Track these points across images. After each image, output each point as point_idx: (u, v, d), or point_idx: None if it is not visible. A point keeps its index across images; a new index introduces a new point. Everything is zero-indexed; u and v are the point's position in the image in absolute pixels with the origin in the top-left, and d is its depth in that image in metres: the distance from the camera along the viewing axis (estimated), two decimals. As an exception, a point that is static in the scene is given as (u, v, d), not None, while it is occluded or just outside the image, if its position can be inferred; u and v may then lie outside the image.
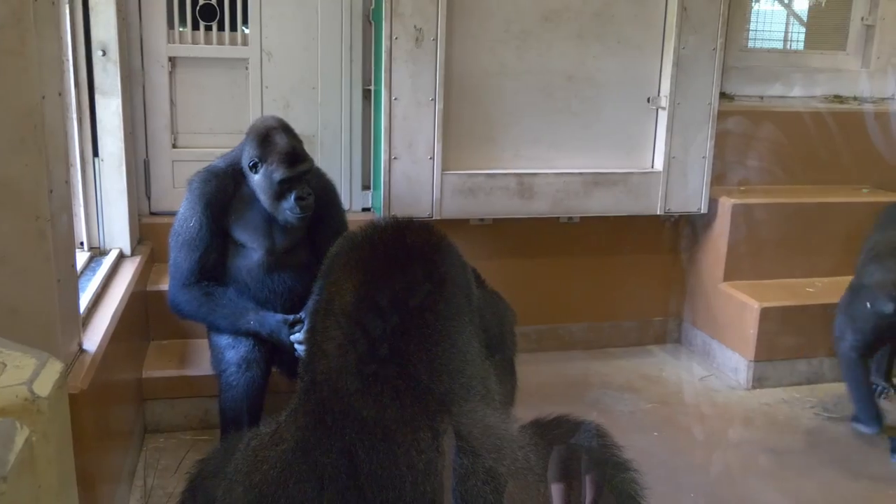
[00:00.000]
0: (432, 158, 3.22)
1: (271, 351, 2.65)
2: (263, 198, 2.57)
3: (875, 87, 4.48)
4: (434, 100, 3.17)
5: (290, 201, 2.53)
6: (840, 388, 3.21)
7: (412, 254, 1.16)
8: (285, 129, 2.59)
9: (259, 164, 2.54)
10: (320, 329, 1.13)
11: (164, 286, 3.06)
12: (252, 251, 2.63)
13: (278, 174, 2.51)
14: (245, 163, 2.58)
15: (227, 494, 1.11)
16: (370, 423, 1.05)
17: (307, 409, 1.11)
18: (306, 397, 1.12)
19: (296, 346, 2.50)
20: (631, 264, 3.79)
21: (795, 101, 4.13)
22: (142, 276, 3.01)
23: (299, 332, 2.46)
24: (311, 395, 1.11)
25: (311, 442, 1.07)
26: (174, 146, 3.35)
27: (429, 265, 1.15)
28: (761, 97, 4.13)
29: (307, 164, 2.55)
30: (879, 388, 3.33)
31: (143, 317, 3.04)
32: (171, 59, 3.28)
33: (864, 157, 3.89)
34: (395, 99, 3.15)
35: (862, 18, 4.50)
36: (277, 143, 2.53)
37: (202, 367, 2.86)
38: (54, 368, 1.24)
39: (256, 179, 2.56)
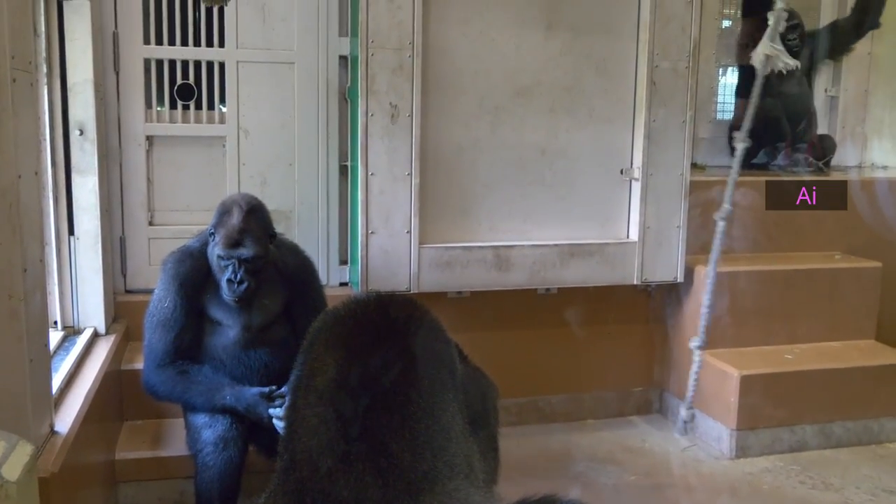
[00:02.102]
0: (409, 232, 3.24)
1: (249, 429, 2.61)
2: (213, 269, 2.58)
3: (841, 156, 4.60)
4: (410, 174, 3.20)
5: (223, 281, 2.53)
6: (823, 455, 3.20)
7: (394, 329, 1.14)
8: (250, 209, 2.58)
9: (213, 235, 2.56)
10: (301, 405, 1.10)
11: (139, 365, 3.02)
12: (228, 328, 2.61)
13: (217, 249, 2.52)
14: (208, 231, 2.60)
15: None
16: None
17: (286, 490, 1.07)
18: (285, 477, 1.09)
19: (274, 420, 2.46)
20: (610, 335, 3.79)
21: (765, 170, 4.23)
22: (116, 355, 2.97)
23: (279, 406, 2.42)
24: (291, 474, 1.08)
25: None
26: (150, 223, 3.34)
27: (411, 341, 1.13)
28: (730, 167, 4.21)
29: (248, 252, 2.51)
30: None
31: (117, 397, 2.98)
32: (149, 138, 3.31)
33: (834, 224, 3.95)
34: (372, 174, 3.18)
35: (826, 90, 4.66)
36: (231, 219, 2.54)
37: (177, 447, 2.80)
38: (24, 451, 1.21)
39: (209, 249, 2.58)
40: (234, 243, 2.51)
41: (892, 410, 3.60)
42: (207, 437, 2.51)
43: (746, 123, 2.54)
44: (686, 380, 2.69)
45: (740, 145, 2.56)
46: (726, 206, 2.57)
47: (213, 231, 2.57)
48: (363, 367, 1.09)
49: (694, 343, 2.62)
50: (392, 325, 1.15)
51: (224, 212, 2.57)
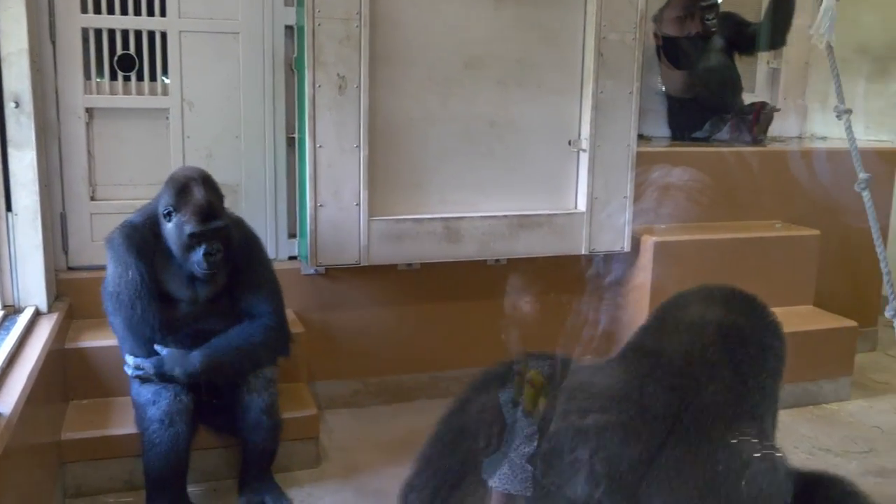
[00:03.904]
0: (358, 205, 3.22)
1: (199, 407, 2.60)
2: (174, 247, 2.55)
3: (783, 127, 4.69)
4: (359, 146, 3.18)
5: (199, 256, 2.51)
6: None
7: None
8: (205, 181, 2.57)
9: (172, 214, 2.53)
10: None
11: (84, 343, 2.98)
12: (176, 301, 2.59)
13: (189, 227, 2.50)
14: (160, 209, 2.55)
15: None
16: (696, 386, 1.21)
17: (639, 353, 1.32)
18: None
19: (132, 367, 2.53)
20: (559, 304, 3.82)
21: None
22: (59, 334, 2.90)
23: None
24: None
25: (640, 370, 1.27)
26: (92, 198, 3.26)
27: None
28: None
29: (220, 222, 2.53)
30: None
31: (61, 376, 2.92)
32: (89, 110, 3.21)
33: (775, 193, 4.04)
34: (320, 146, 3.14)
35: (768, 62, 4.74)
36: (194, 195, 2.52)
37: (125, 425, 2.77)
38: (-34, 435, 1.18)
39: (168, 228, 2.55)
40: (206, 217, 2.51)
41: (830, 373, 3.73)
42: (153, 414, 2.50)
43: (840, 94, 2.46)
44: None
45: (845, 116, 2.47)
46: (862, 175, 2.47)
47: (170, 210, 2.53)
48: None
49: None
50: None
51: (182, 189, 2.54)
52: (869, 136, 4.64)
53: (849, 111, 2.44)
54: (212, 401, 2.66)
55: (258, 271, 2.75)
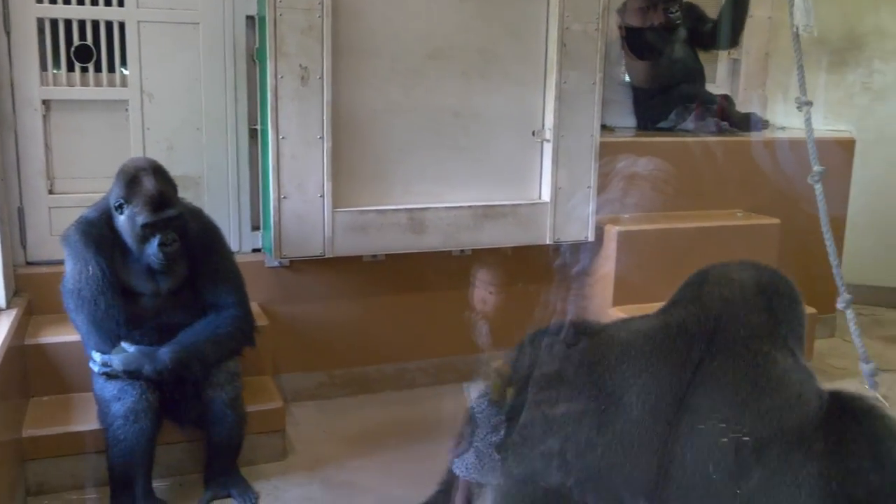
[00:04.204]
0: (322, 196, 3.20)
1: (163, 402, 2.58)
2: (128, 240, 2.52)
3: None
4: (322, 138, 3.16)
5: (153, 247, 2.48)
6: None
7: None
8: (156, 170, 2.54)
9: (124, 206, 2.49)
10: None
11: (45, 339, 2.94)
12: (138, 296, 2.57)
13: (141, 218, 2.47)
14: (112, 202, 2.52)
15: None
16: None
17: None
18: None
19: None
20: (525, 294, 3.84)
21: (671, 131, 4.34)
22: (19, 330, 2.86)
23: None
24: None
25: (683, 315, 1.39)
26: (51, 192, 3.20)
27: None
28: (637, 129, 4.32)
29: (173, 211, 2.50)
30: None
31: (21, 372, 2.87)
32: (45, 102, 3.15)
33: (737, 183, 4.09)
34: (283, 138, 3.12)
35: (729, 53, 4.78)
36: (144, 185, 2.48)
37: (88, 421, 2.74)
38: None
39: (121, 221, 2.51)
40: (158, 207, 2.48)
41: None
42: (117, 410, 2.47)
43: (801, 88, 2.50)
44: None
45: (805, 108, 2.52)
46: (817, 168, 2.53)
47: (122, 202, 2.50)
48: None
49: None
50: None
51: (131, 180, 2.51)
52: (828, 125, 4.72)
53: (809, 103, 2.48)
54: (175, 395, 2.64)
55: (219, 262, 2.73)
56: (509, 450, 1.42)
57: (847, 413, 1.26)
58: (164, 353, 2.50)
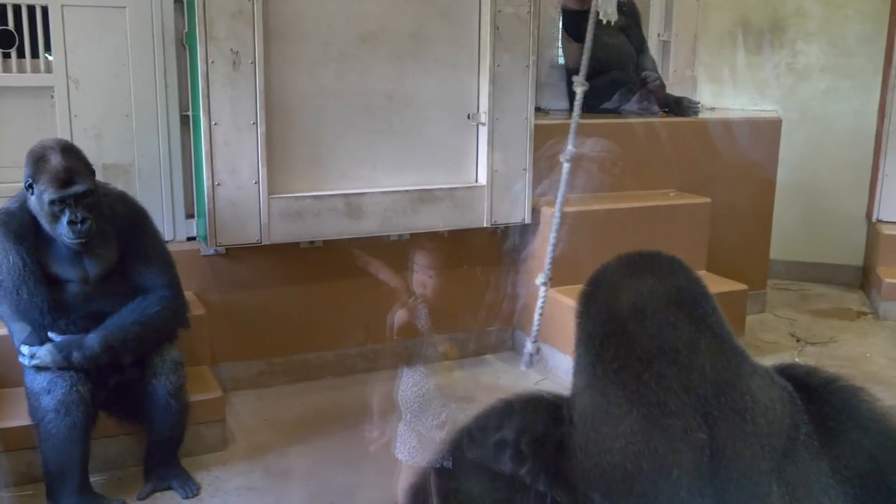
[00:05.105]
0: (257, 183, 3.17)
1: (99, 393, 2.54)
2: (42, 221, 2.47)
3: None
4: (255, 123, 3.13)
5: (63, 225, 2.43)
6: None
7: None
8: (64, 149, 2.49)
9: (33, 186, 2.44)
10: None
11: (-31, 334, 2.85)
12: (66, 283, 2.52)
13: (48, 195, 2.42)
14: (24, 185, 2.47)
15: None
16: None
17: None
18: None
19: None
20: (463, 277, 3.88)
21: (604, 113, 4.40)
22: (-58, 325, 2.77)
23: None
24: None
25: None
26: (-26, 183, 3.11)
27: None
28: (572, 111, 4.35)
29: (81, 186, 2.44)
30: None
31: (-54, 369, 2.79)
32: (-34, 90, 3.05)
33: (668, 163, 4.18)
34: (215, 124, 3.08)
35: (658, 35, 4.86)
36: (50, 162, 2.43)
37: (19, 416, 2.66)
38: None
39: (32, 201, 2.46)
40: (64, 182, 2.42)
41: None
42: (47, 403, 2.42)
43: (583, 69, 2.64)
44: (534, 316, 2.80)
45: (579, 89, 2.65)
46: (570, 148, 2.67)
47: (31, 182, 2.44)
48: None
49: (539, 280, 2.73)
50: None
51: (38, 158, 2.46)
52: (754, 105, 4.84)
53: (584, 85, 2.64)
54: (112, 385, 2.59)
55: (147, 244, 2.68)
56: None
57: (818, 396, 1.23)
58: (92, 338, 2.46)
